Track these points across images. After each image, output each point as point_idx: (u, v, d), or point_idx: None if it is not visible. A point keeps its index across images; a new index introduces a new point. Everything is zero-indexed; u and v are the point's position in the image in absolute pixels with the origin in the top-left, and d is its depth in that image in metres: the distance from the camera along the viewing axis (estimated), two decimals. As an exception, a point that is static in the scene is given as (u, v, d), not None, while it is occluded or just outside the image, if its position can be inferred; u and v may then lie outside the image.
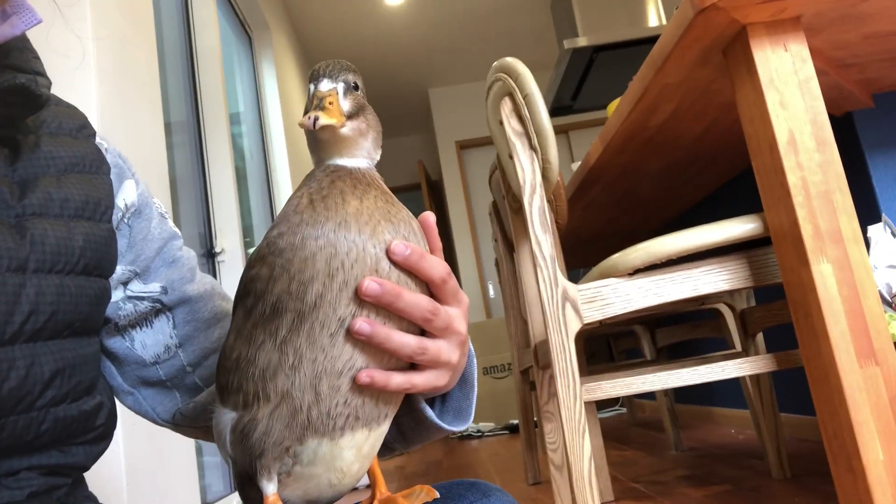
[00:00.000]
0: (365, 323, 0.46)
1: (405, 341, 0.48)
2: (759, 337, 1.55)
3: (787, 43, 1.06)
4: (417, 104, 5.72)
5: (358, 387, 0.47)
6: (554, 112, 4.30)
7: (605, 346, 4.07)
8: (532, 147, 1.26)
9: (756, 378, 1.59)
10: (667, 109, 1.38)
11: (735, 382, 2.34)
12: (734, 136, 1.62)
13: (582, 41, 3.59)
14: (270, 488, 0.49)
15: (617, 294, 1.18)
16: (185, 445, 1.60)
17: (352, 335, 0.46)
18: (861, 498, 0.96)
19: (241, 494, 0.54)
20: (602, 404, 3.83)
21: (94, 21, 1.44)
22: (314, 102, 0.48)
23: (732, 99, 1.38)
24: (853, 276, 1.00)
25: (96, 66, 1.41)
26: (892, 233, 1.13)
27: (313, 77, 0.50)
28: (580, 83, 3.99)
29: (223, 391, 0.50)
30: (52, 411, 0.51)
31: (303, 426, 0.47)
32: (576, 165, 2.07)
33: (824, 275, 1.00)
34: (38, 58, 0.57)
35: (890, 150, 1.47)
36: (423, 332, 0.50)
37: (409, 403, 0.56)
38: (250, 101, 3.46)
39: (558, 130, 5.25)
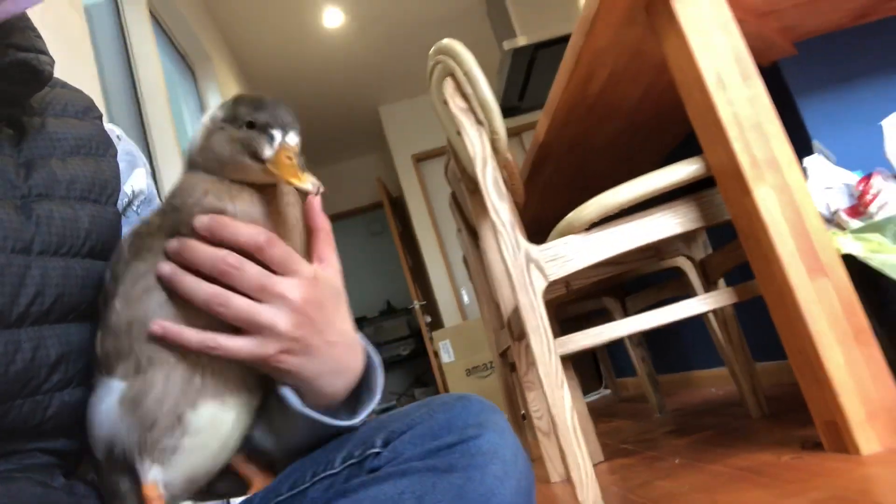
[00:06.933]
0: (166, 265, 0.49)
1: (203, 286, 0.48)
2: (721, 283, 1.60)
3: (703, -10, 1.12)
4: (369, 123, 5.76)
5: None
6: (503, 114, 4.37)
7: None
8: (478, 121, 1.30)
9: (725, 327, 1.64)
10: (602, 74, 1.43)
11: (709, 343, 2.40)
12: (672, 100, 1.68)
13: (521, 41, 3.67)
14: (150, 475, 0.49)
15: (576, 250, 1.22)
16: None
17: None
18: (829, 404, 1.00)
19: (108, 491, 0.53)
20: (587, 388, 3.87)
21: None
22: (295, 161, 0.49)
23: (664, 60, 1.45)
24: (794, 198, 1.05)
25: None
26: (825, 155, 1.19)
27: (278, 122, 0.50)
28: (525, 83, 4.07)
29: (110, 357, 0.50)
30: (57, 395, 0.51)
31: (197, 389, 0.49)
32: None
33: (766, 200, 1.05)
34: (40, 37, 0.57)
35: (817, 93, 1.54)
36: None
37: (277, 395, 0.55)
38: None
39: (511, 133, 5.34)
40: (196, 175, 0.52)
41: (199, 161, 0.52)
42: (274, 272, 0.50)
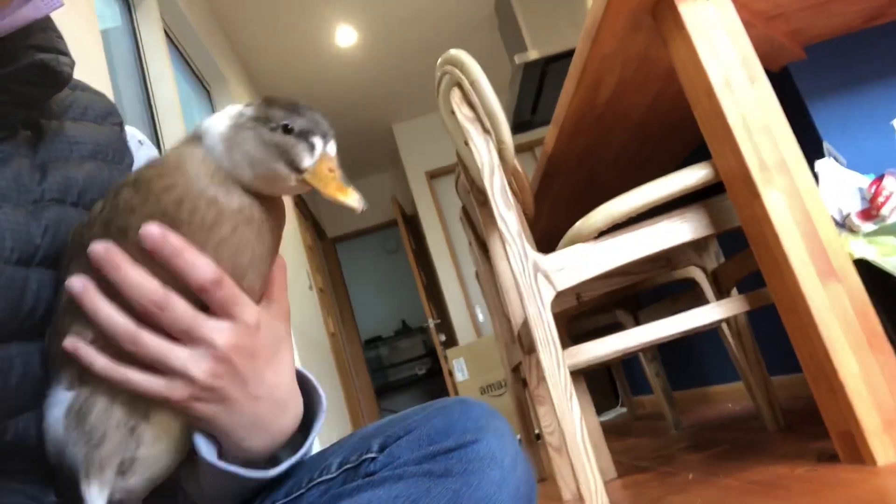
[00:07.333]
0: (78, 280, 0.44)
1: (114, 320, 0.44)
2: (734, 293, 1.57)
3: (708, -6, 1.11)
4: (383, 141, 5.79)
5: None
6: (516, 129, 4.38)
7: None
8: (485, 130, 1.30)
9: (740, 339, 1.61)
10: (610, 82, 1.42)
11: (725, 357, 2.36)
12: (682, 108, 1.67)
13: (532, 55, 3.68)
14: (99, 502, 0.46)
15: (585, 259, 1.21)
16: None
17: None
18: (843, 413, 0.97)
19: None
20: (604, 407, 3.82)
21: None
22: (338, 173, 0.46)
23: (671, 67, 1.44)
24: (803, 201, 1.03)
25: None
26: (835, 158, 1.17)
27: (319, 129, 0.46)
28: (536, 97, 4.08)
29: (56, 361, 0.47)
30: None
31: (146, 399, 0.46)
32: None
33: (776, 203, 1.03)
34: (61, 38, 0.57)
35: (828, 97, 1.52)
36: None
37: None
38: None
39: (523, 148, 5.34)
40: (200, 153, 0.45)
41: (214, 148, 0.46)
42: (211, 311, 0.46)
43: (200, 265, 0.44)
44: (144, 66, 2.73)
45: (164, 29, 2.89)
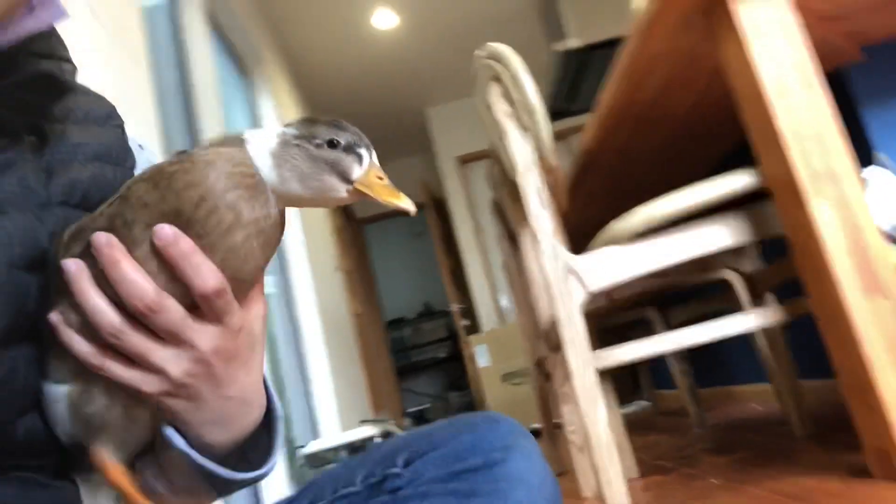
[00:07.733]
0: (74, 263, 0.45)
1: (101, 310, 0.45)
2: (770, 298, 1.54)
3: (764, -6, 1.08)
4: (415, 125, 5.77)
5: None
6: (552, 116, 4.32)
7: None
8: (523, 125, 1.28)
9: (772, 342, 1.59)
10: (655, 80, 1.40)
11: (753, 357, 2.33)
12: (724, 108, 1.63)
13: (573, 42, 3.64)
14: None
15: (619, 261, 1.19)
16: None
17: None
18: (880, 430, 0.95)
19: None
20: (624, 399, 3.80)
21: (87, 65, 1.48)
22: (385, 181, 0.50)
23: (718, 66, 1.40)
24: (852, 213, 1.00)
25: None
26: (889, 168, 1.14)
27: (363, 141, 0.50)
28: (575, 85, 4.03)
29: (47, 354, 0.47)
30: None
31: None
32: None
33: (824, 214, 1.01)
34: (62, 42, 0.57)
35: (883, 103, 1.47)
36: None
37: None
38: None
39: (558, 136, 5.28)
40: (239, 156, 0.46)
41: (262, 160, 0.47)
42: (205, 317, 0.47)
43: (206, 272, 0.44)
44: (184, 46, 2.72)
45: (206, 9, 2.88)
